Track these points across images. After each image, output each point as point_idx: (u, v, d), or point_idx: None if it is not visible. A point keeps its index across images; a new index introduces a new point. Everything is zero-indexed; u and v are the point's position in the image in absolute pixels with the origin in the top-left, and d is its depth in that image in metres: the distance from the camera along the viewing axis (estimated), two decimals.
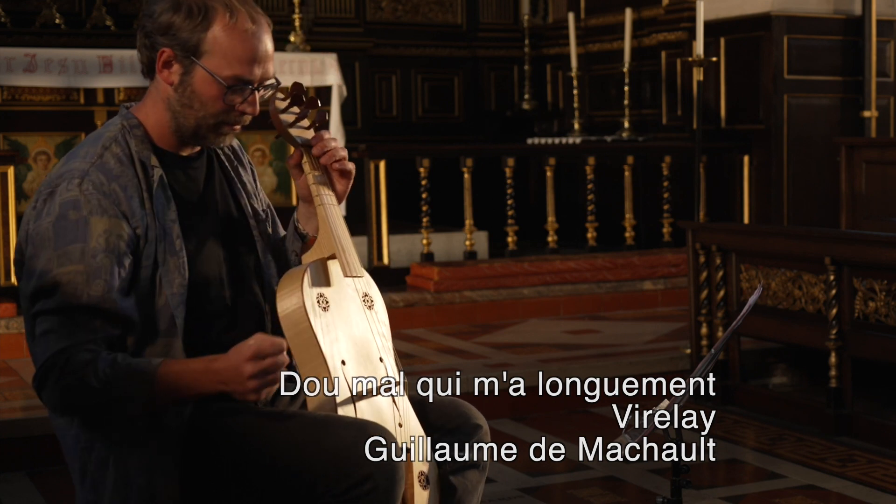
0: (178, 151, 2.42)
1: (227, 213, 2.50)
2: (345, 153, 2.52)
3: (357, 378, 2.38)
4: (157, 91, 2.39)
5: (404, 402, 2.50)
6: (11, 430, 4.76)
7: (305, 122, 2.55)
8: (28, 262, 2.26)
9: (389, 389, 2.45)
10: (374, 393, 2.41)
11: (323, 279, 2.41)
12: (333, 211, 2.48)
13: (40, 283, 2.22)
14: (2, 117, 7.50)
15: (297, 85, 2.55)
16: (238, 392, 2.21)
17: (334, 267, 2.45)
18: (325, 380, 2.34)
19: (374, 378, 2.42)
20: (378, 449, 2.23)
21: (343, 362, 2.37)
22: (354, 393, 2.37)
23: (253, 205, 2.57)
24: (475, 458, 2.54)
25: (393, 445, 2.26)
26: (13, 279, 6.27)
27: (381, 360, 2.47)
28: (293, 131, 2.52)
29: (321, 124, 2.53)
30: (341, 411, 2.33)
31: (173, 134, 2.40)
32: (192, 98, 2.35)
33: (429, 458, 2.47)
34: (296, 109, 2.54)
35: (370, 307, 2.51)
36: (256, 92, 2.38)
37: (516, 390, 5.52)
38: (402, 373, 2.55)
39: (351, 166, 2.52)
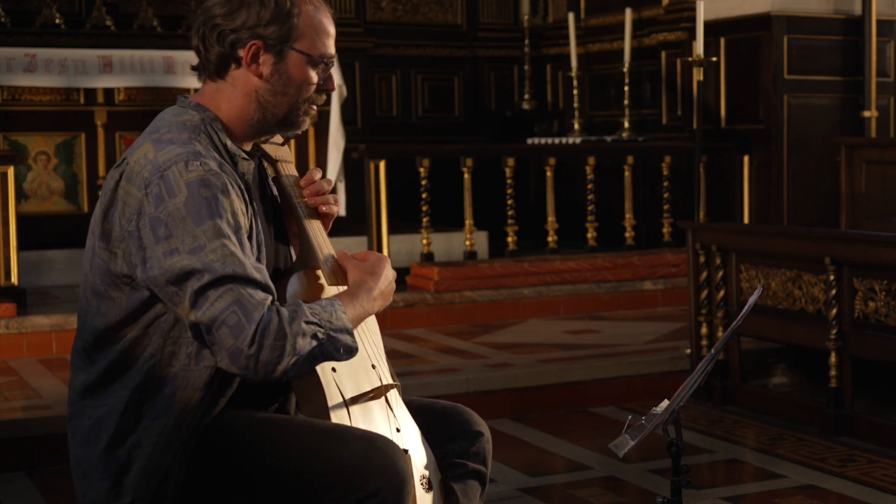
0: (243, 147, 2.44)
1: (274, 210, 2.53)
2: (333, 196, 2.57)
3: (347, 384, 2.39)
4: (234, 86, 2.40)
5: (401, 408, 2.50)
6: (11, 430, 4.75)
7: (278, 138, 2.54)
8: (158, 245, 2.22)
9: (382, 395, 2.45)
10: (367, 398, 2.41)
11: (306, 291, 2.40)
12: (313, 223, 2.49)
13: (196, 260, 2.20)
14: (2, 117, 7.50)
15: None
16: (378, 294, 2.42)
17: (317, 278, 2.44)
18: (317, 388, 2.34)
19: (367, 384, 2.43)
20: (386, 462, 2.23)
21: (333, 369, 2.37)
22: (347, 398, 2.37)
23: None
24: (476, 466, 2.54)
25: (401, 459, 2.26)
26: (13, 279, 6.26)
27: (373, 367, 2.47)
28: (265, 147, 2.52)
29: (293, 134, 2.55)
30: (333, 416, 2.33)
31: (252, 126, 2.42)
32: (288, 83, 2.40)
33: (430, 462, 2.47)
34: None
35: None
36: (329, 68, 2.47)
37: (516, 390, 5.54)
38: (397, 379, 2.55)
39: (336, 210, 2.58)
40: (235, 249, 2.23)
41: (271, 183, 2.56)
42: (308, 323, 2.22)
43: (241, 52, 2.38)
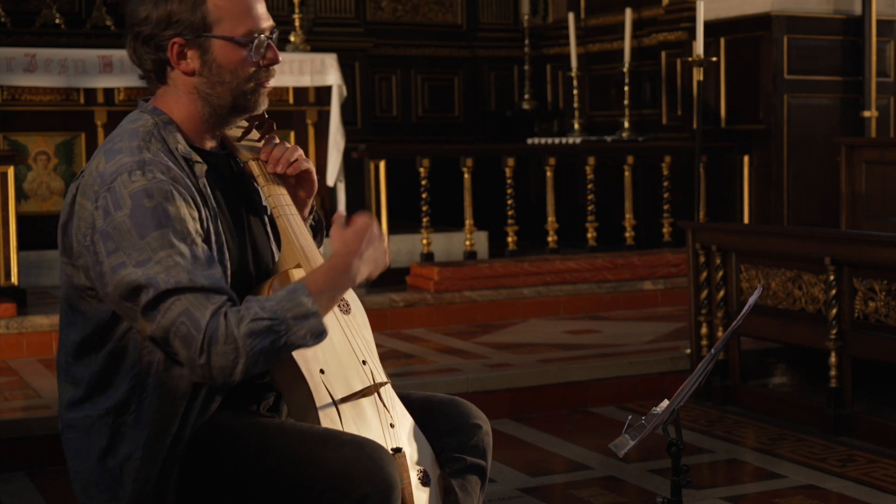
0: (204, 146, 2.41)
1: (250, 209, 2.50)
2: (298, 153, 2.48)
3: (337, 384, 2.37)
4: (177, 88, 2.37)
5: (394, 403, 2.48)
6: (11, 430, 4.76)
7: (255, 134, 2.51)
8: (108, 258, 2.20)
9: (373, 393, 2.44)
10: (358, 397, 2.40)
11: None
12: (294, 220, 2.44)
13: (142, 273, 2.17)
14: (2, 117, 7.50)
15: None
16: (360, 265, 2.31)
17: (300, 276, 2.38)
18: (305, 389, 2.33)
19: (358, 383, 2.41)
20: (374, 468, 2.22)
21: (322, 371, 2.36)
22: (336, 399, 2.36)
23: (263, 203, 2.55)
24: (475, 460, 2.52)
25: (389, 464, 2.25)
26: (13, 279, 6.26)
27: (363, 362, 2.45)
28: (244, 144, 2.48)
29: (267, 130, 2.50)
30: (323, 416, 2.32)
31: (206, 122, 2.39)
32: (221, 72, 2.35)
33: (427, 456, 2.46)
34: (243, 123, 2.50)
35: (346, 312, 2.48)
36: (270, 40, 2.39)
37: (516, 390, 5.54)
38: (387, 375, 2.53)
39: (307, 165, 2.49)
40: (180, 259, 2.18)
41: (243, 183, 2.51)
42: (257, 319, 2.16)
43: (168, 54, 2.34)
